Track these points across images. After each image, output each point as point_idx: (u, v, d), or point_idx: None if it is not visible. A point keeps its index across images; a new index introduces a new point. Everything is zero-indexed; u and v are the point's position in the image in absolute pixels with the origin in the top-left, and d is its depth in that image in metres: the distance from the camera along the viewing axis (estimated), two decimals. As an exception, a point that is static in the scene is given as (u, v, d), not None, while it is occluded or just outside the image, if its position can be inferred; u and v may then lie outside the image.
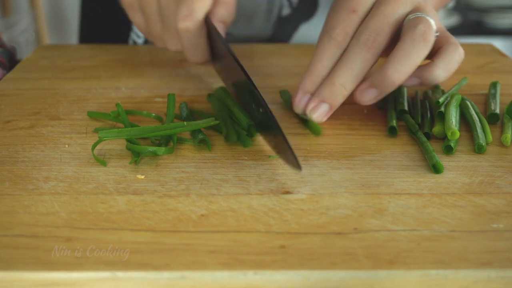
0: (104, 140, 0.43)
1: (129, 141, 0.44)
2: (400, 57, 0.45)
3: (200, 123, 0.45)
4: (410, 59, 0.45)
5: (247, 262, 0.32)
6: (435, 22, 0.46)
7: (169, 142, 0.46)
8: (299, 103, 0.48)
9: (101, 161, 0.42)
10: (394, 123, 0.47)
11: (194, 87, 0.59)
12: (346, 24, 0.47)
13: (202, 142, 0.45)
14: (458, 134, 0.45)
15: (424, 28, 0.45)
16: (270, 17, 0.75)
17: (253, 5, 0.74)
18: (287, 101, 0.53)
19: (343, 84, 0.46)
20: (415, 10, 0.47)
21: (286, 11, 0.75)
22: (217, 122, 0.46)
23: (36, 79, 0.61)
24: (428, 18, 0.46)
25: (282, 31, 0.76)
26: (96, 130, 0.48)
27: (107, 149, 0.45)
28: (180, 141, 0.46)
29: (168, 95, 0.51)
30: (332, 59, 0.47)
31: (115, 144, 0.45)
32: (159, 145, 0.45)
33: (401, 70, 0.45)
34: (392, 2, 0.47)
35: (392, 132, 0.47)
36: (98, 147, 0.45)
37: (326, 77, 0.47)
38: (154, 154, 0.43)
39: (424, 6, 0.48)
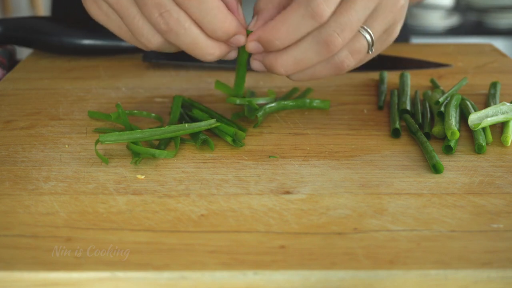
0: (105, 143, 0.43)
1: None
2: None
3: (202, 125, 0.45)
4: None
5: (247, 262, 0.32)
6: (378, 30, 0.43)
7: (169, 143, 0.46)
8: (252, 46, 0.45)
9: (104, 158, 0.42)
10: (397, 125, 0.47)
11: (194, 87, 0.59)
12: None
13: (204, 143, 0.45)
14: (458, 134, 0.45)
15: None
16: None
17: (249, 7, 0.74)
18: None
19: (285, 69, 0.44)
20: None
21: None
22: (218, 124, 0.46)
23: (36, 79, 0.61)
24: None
25: None
26: (96, 130, 0.48)
27: (107, 149, 0.45)
28: (181, 141, 0.46)
29: (174, 97, 0.51)
30: (299, 34, 0.42)
31: (115, 144, 0.45)
32: (159, 145, 0.45)
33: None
34: None
35: (395, 134, 0.47)
36: (98, 146, 0.45)
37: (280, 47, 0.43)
38: (155, 156, 0.43)
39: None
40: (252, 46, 0.44)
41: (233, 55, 0.47)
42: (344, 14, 0.42)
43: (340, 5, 0.42)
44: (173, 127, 0.45)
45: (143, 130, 0.44)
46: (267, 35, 0.43)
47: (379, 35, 0.44)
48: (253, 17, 0.45)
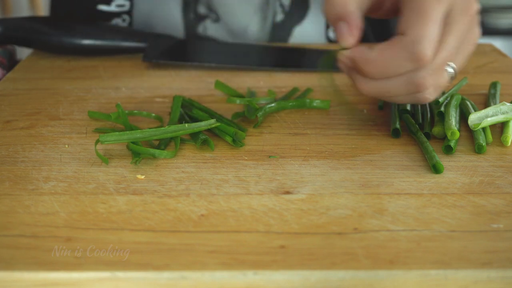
0: (105, 143, 0.43)
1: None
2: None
3: (202, 125, 0.45)
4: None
5: (247, 262, 0.32)
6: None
7: (169, 143, 0.46)
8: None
9: (104, 158, 0.42)
10: (397, 125, 0.47)
11: (194, 87, 0.59)
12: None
13: (204, 143, 0.45)
14: (458, 134, 0.45)
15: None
16: (265, 26, 0.75)
17: (247, 15, 0.74)
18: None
19: (369, 93, 0.45)
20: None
21: (279, 17, 0.75)
22: (218, 124, 0.46)
23: (36, 79, 0.61)
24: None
25: (277, 38, 0.76)
26: (96, 130, 0.48)
27: (107, 149, 0.45)
28: (181, 141, 0.46)
29: (174, 96, 0.51)
30: (395, 73, 0.43)
31: (115, 144, 0.45)
32: (159, 145, 0.45)
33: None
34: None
35: (395, 134, 0.47)
36: (98, 146, 0.45)
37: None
38: (155, 156, 0.43)
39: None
40: (345, 61, 0.44)
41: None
42: (439, 55, 0.42)
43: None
44: (173, 127, 0.45)
45: (143, 130, 0.44)
46: (363, 66, 0.43)
47: (460, 66, 0.45)
48: (335, 22, 0.44)
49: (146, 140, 0.45)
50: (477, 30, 0.45)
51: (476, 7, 0.44)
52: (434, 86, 0.43)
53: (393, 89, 0.43)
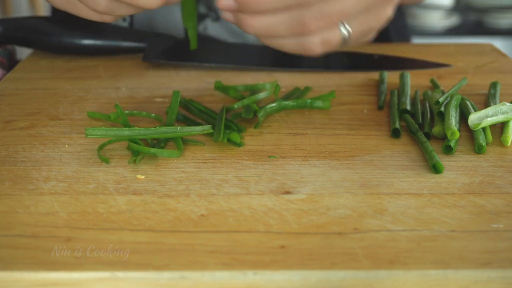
0: (89, 137, 0.43)
1: (131, 141, 0.44)
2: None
3: (196, 130, 0.45)
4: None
5: (246, 262, 0.32)
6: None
7: (167, 142, 0.46)
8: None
9: (104, 158, 0.42)
10: (397, 125, 0.47)
11: (194, 87, 0.58)
12: None
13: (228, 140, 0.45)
14: (458, 134, 0.45)
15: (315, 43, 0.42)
16: None
17: None
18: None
19: (254, 31, 0.43)
20: None
21: None
22: (211, 131, 0.45)
23: (36, 79, 0.61)
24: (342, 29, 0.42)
25: None
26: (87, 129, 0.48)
27: (108, 149, 0.45)
28: (182, 141, 0.46)
29: (173, 91, 0.50)
30: (280, 4, 0.41)
31: (115, 144, 0.45)
32: (155, 145, 0.45)
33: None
34: None
35: (395, 134, 0.47)
36: (94, 144, 0.45)
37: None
38: (155, 155, 0.43)
39: None
40: (225, 2, 0.42)
41: None
42: (330, 3, 0.41)
43: None
44: (164, 129, 0.45)
45: (132, 128, 0.44)
46: None
47: (356, 35, 0.44)
48: None
49: (142, 139, 0.45)
50: (388, 9, 0.44)
51: None
52: (322, 38, 0.42)
53: (276, 26, 0.42)
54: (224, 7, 0.43)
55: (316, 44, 0.43)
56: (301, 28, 0.42)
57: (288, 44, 0.44)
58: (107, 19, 0.46)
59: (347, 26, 0.43)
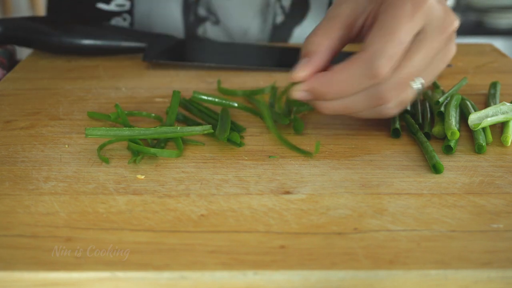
0: (89, 137, 0.43)
1: (131, 141, 0.44)
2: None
3: (197, 130, 0.45)
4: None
5: (246, 262, 0.32)
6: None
7: (167, 142, 0.46)
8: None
9: (104, 158, 0.42)
10: (397, 125, 0.47)
11: (194, 87, 0.58)
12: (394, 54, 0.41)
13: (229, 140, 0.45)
14: (458, 134, 0.45)
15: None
16: (265, 28, 0.75)
17: (247, 19, 0.74)
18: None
19: (331, 112, 0.44)
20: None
21: (279, 18, 0.75)
22: (211, 131, 0.45)
23: (36, 79, 0.61)
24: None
25: (277, 39, 0.76)
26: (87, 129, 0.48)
27: (108, 149, 0.45)
28: (182, 141, 0.46)
29: (173, 91, 0.50)
30: (354, 91, 0.42)
31: (115, 144, 0.45)
32: (155, 145, 0.45)
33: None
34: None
35: (395, 134, 0.47)
36: (95, 144, 0.45)
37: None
38: (155, 155, 0.43)
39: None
40: (300, 95, 0.44)
41: None
42: (401, 70, 0.41)
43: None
44: (164, 129, 0.45)
45: (132, 128, 0.44)
46: (321, 89, 0.42)
47: (428, 82, 0.44)
48: (302, 58, 0.44)
49: (142, 139, 0.45)
50: (452, 47, 0.45)
51: (455, 25, 0.43)
52: (397, 101, 0.43)
53: (354, 105, 0.43)
54: (301, 98, 0.44)
55: (393, 108, 0.44)
56: (379, 101, 0.42)
57: (365, 114, 0.45)
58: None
59: (422, 81, 0.43)
